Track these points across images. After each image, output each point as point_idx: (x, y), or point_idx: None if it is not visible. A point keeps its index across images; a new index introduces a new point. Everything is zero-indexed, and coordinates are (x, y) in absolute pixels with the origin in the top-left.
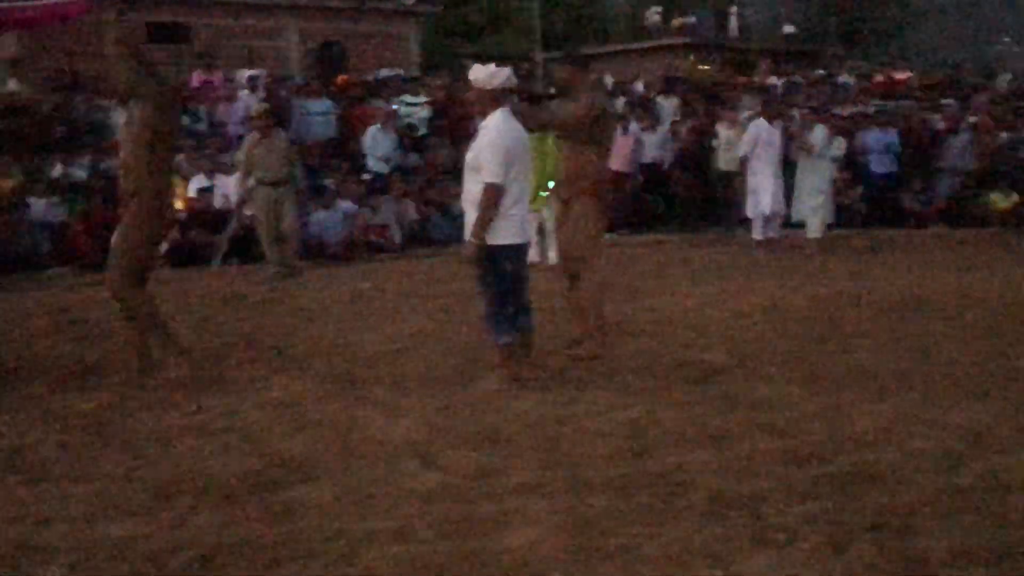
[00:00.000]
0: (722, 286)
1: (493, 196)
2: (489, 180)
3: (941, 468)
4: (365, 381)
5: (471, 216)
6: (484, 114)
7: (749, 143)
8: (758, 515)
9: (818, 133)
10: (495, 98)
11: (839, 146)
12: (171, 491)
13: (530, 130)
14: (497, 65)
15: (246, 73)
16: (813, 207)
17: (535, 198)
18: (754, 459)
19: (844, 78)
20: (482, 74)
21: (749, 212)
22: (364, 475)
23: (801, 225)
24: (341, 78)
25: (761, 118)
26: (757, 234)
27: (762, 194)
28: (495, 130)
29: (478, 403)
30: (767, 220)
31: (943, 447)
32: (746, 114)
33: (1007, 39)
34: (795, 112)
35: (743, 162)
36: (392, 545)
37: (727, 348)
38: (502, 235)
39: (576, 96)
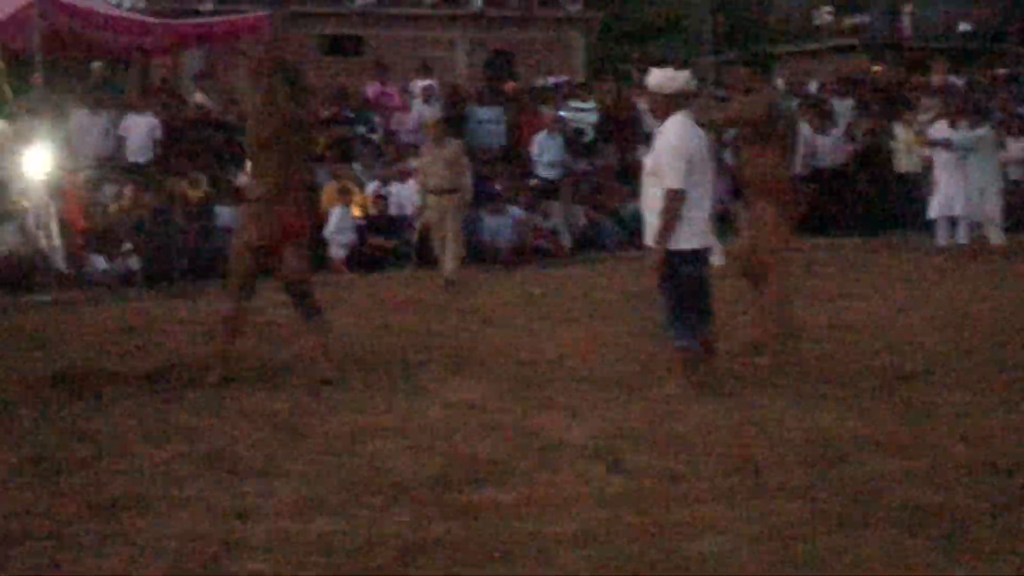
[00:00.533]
0: (907, 291)
1: (675, 201)
2: (671, 186)
3: None
4: (544, 384)
5: (652, 221)
6: (663, 118)
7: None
8: (956, 527)
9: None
10: (673, 102)
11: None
12: (364, 489)
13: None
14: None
15: (419, 83)
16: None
17: None
18: (949, 469)
19: None
20: (660, 78)
21: (933, 214)
22: (549, 478)
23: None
24: (510, 85)
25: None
26: (941, 239)
27: (945, 196)
28: (674, 135)
29: (660, 408)
30: (953, 224)
31: None
32: (928, 115)
33: None
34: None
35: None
36: (583, 549)
37: (916, 355)
38: (684, 240)
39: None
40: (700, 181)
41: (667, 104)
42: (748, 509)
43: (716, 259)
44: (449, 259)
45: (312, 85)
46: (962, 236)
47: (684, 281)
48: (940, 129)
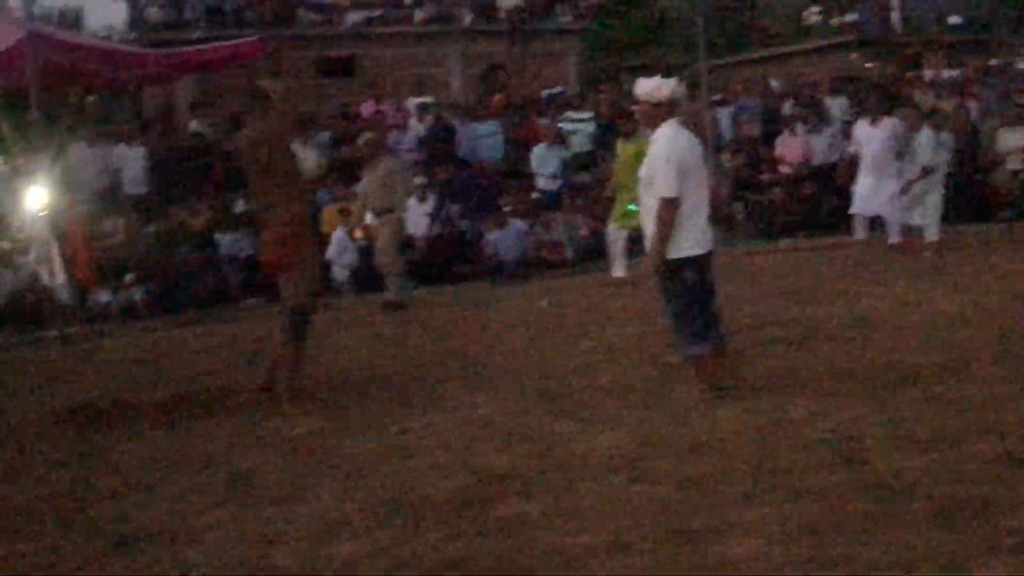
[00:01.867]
0: (915, 286)
1: (669, 210)
2: (664, 195)
3: None
4: (561, 396)
5: (649, 230)
6: (653, 127)
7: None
8: (987, 520)
9: (924, 137)
10: (662, 110)
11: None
12: (388, 510)
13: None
14: (662, 76)
15: (415, 100)
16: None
17: (625, 213)
18: (975, 463)
19: (1022, 65)
20: (647, 87)
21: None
22: (573, 489)
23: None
24: (496, 98)
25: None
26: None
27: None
28: (666, 143)
29: (679, 414)
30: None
31: None
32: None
33: None
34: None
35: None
36: (611, 558)
37: (931, 350)
38: (684, 247)
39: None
40: (695, 188)
41: (656, 113)
42: (774, 511)
43: (618, 271)
44: (390, 281)
45: (308, 109)
46: (895, 235)
47: (687, 288)
48: (861, 127)
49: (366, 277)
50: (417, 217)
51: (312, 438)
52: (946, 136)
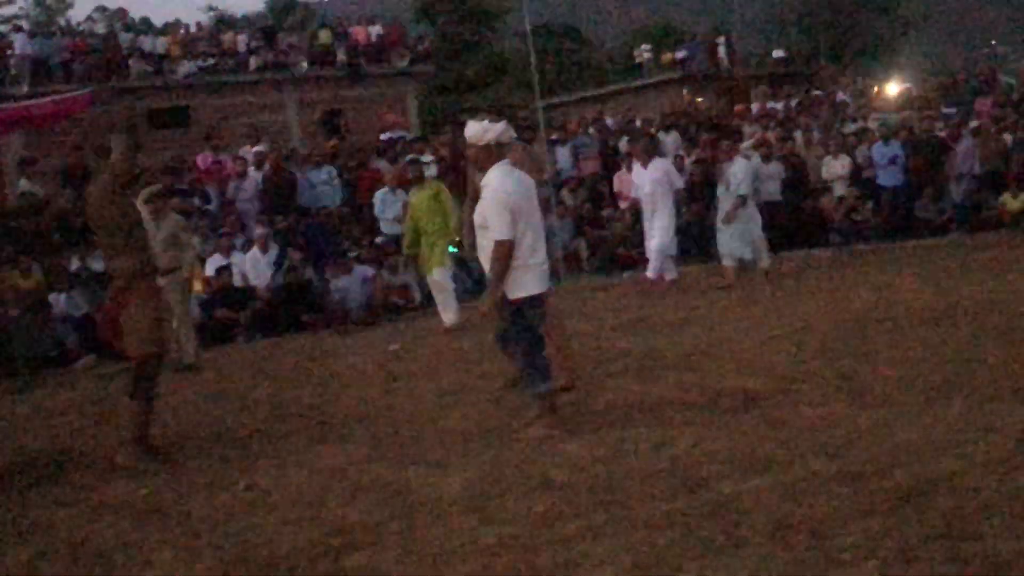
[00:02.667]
0: (748, 312)
1: (505, 252)
2: (499, 237)
3: (999, 472)
4: (411, 441)
5: (487, 271)
6: (485, 169)
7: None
8: (823, 537)
9: (738, 168)
10: (492, 152)
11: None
12: (237, 568)
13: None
14: (492, 119)
15: (251, 149)
16: (750, 241)
17: (439, 258)
18: (810, 481)
19: (841, 96)
20: (475, 130)
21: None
22: (424, 535)
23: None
24: (333, 143)
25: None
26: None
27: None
28: (497, 185)
29: (527, 452)
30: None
31: (998, 451)
32: (747, 143)
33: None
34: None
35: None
36: None
37: (767, 374)
38: (526, 287)
39: None
40: (531, 228)
41: (486, 155)
42: (622, 543)
43: (449, 318)
44: (185, 342)
45: (142, 162)
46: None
47: (531, 326)
48: (635, 171)
49: (208, 330)
50: (259, 267)
51: (158, 498)
52: (776, 166)
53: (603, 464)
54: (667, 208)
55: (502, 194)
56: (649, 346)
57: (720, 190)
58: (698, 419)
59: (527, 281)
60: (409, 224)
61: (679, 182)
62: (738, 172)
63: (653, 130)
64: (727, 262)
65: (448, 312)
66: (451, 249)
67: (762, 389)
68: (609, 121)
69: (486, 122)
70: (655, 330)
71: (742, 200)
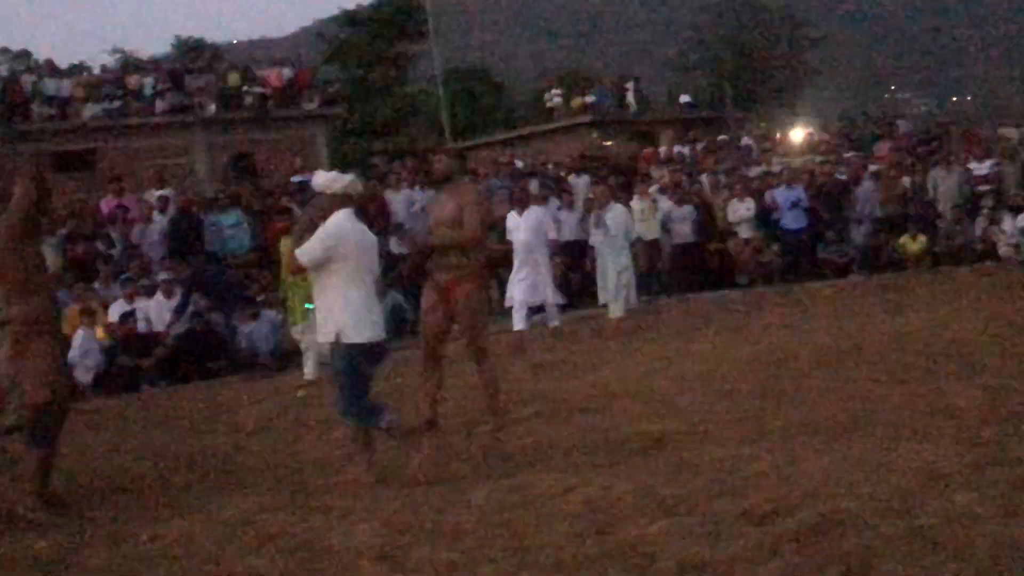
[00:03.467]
0: (659, 353)
1: (294, 266)
2: (299, 257)
3: (899, 510)
4: (319, 489)
5: (320, 315)
6: (325, 217)
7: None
8: None
9: (616, 213)
10: (337, 201)
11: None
12: None
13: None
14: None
15: (156, 193)
16: (617, 288)
17: (303, 312)
18: (715, 522)
19: (747, 140)
20: (324, 180)
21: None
22: None
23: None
24: (243, 189)
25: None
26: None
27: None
28: (331, 227)
29: (439, 498)
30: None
31: (898, 489)
32: (655, 186)
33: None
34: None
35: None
36: None
37: (674, 415)
38: (361, 333)
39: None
40: (360, 276)
41: (332, 203)
42: None
43: (309, 373)
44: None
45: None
46: (551, 318)
47: (359, 372)
48: (510, 217)
49: (112, 378)
50: (164, 313)
51: (58, 551)
52: (688, 209)
53: (513, 509)
54: (543, 258)
55: (331, 231)
56: (558, 389)
57: (595, 237)
58: (607, 462)
59: (364, 328)
60: (282, 274)
61: (552, 232)
62: (617, 218)
63: (563, 173)
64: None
65: (306, 366)
66: (308, 306)
67: (669, 430)
68: (519, 163)
69: (334, 173)
70: (565, 373)
71: (621, 247)
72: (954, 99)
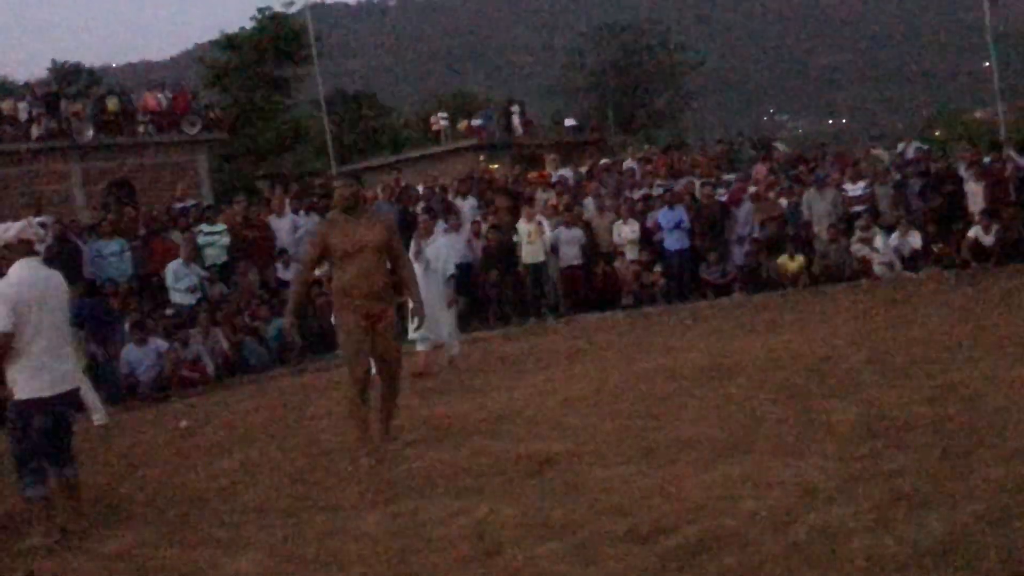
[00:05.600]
0: (547, 375)
1: (3, 345)
2: None
3: (777, 526)
4: (203, 520)
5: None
6: (6, 268)
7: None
8: None
9: (438, 245)
10: (14, 250)
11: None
12: None
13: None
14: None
15: (34, 220)
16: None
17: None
18: (601, 542)
19: (629, 163)
20: None
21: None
22: None
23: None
24: (127, 214)
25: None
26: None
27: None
28: (11, 279)
29: (323, 527)
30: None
31: (776, 506)
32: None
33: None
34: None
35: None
36: None
37: (561, 436)
38: (34, 387)
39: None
40: (46, 328)
41: (7, 254)
42: None
43: (98, 417)
44: None
45: None
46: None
47: (34, 431)
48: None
49: None
50: None
51: None
52: (577, 231)
53: (400, 536)
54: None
55: (11, 288)
56: (449, 412)
57: (416, 268)
58: (495, 484)
59: (36, 382)
60: None
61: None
62: (440, 250)
63: (450, 196)
64: (421, 347)
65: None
66: None
67: (557, 452)
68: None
69: (8, 223)
70: (454, 395)
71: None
72: (829, 121)
